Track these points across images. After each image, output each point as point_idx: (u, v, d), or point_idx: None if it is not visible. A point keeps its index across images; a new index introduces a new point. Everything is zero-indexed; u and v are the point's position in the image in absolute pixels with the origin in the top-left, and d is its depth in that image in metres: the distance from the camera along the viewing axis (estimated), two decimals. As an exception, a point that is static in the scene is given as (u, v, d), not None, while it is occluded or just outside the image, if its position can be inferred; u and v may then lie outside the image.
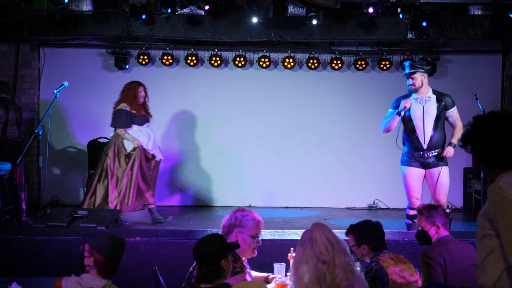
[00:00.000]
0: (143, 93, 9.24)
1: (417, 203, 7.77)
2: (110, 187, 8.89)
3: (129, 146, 9.02)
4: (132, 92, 9.15)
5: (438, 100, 7.85)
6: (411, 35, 10.37)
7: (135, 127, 9.09)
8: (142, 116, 9.15)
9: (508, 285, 3.20)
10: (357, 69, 11.13)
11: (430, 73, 10.95)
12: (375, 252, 4.92)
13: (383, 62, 11.08)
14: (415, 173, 7.87)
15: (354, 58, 11.16)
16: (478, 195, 9.74)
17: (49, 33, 10.37)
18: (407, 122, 7.92)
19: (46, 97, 10.74)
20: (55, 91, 8.73)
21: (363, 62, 11.07)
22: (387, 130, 8.05)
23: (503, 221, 3.22)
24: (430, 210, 5.25)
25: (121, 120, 9.04)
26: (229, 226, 4.77)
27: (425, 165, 7.83)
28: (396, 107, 7.97)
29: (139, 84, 9.25)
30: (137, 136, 9.05)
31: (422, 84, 7.86)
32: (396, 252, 5.01)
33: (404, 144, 8.01)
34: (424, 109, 7.85)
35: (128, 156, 9.02)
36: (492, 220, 3.28)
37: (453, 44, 11.14)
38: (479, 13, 10.33)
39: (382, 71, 11.19)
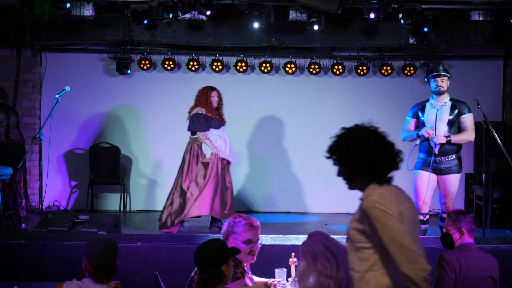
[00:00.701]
0: (216, 98, 9.19)
1: (424, 208, 7.77)
2: (187, 193, 8.95)
3: (208, 152, 9.02)
4: (204, 96, 9.14)
5: (453, 106, 7.80)
6: (412, 41, 10.38)
7: (212, 130, 9.10)
8: (217, 120, 9.11)
9: None
10: (359, 74, 11.14)
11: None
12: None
13: (385, 68, 11.09)
14: (425, 178, 7.78)
15: (356, 63, 11.17)
16: (479, 201, 9.73)
17: (51, 38, 10.40)
18: (421, 127, 7.92)
19: (48, 101, 10.74)
20: (57, 96, 8.72)
21: (364, 68, 11.08)
22: (404, 140, 8.14)
23: (385, 234, 3.34)
24: (458, 215, 5.22)
25: (200, 123, 9.04)
26: (226, 233, 4.80)
27: (437, 171, 7.76)
28: (413, 113, 8.08)
29: (212, 88, 9.23)
30: (215, 141, 9.05)
31: (447, 89, 7.89)
32: None
33: (419, 150, 7.96)
34: (437, 114, 7.83)
35: (205, 163, 9.01)
36: (368, 233, 3.40)
37: (455, 49, 11.15)
38: (481, 18, 10.31)
39: (384, 77, 11.20)
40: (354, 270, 3.45)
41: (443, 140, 7.62)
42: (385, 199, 3.40)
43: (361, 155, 3.53)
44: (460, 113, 7.78)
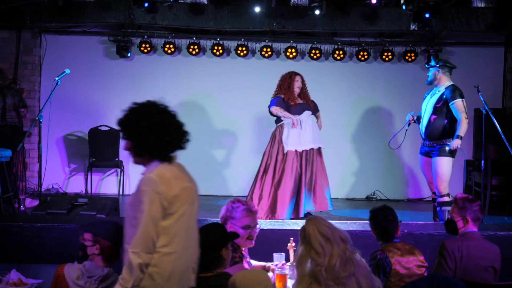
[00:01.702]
0: (299, 83, 9.00)
1: (431, 187, 8.25)
2: (264, 182, 8.84)
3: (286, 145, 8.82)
4: (287, 81, 8.98)
5: (442, 94, 8.04)
6: (413, 27, 10.35)
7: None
8: (297, 105, 8.90)
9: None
10: (359, 60, 11.12)
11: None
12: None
13: (385, 53, 11.07)
14: (422, 161, 8.32)
15: (357, 49, 11.14)
16: (478, 188, 9.74)
17: (51, 20, 10.36)
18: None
19: (47, 84, 10.72)
20: (57, 78, 8.72)
21: (365, 53, 11.06)
22: None
23: (143, 214, 3.45)
24: (465, 202, 5.21)
25: (276, 103, 8.92)
26: (224, 218, 4.80)
27: (428, 154, 8.15)
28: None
29: (296, 73, 9.05)
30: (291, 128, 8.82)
31: (435, 78, 8.17)
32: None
33: None
34: (428, 101, 8.19)
35: (284, 154, 8.84)
36: (136, 209, 3.49)
37: (456, 36, 11.12)
38: (482, 5, 10.30)
39: (384, 62, 11.17)
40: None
41: (459, 142, 7.86)
42: (163, 178, 3.52)
43: (147, 132, 3.59)
44: (448, 101, 7.93)
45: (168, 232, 3.52)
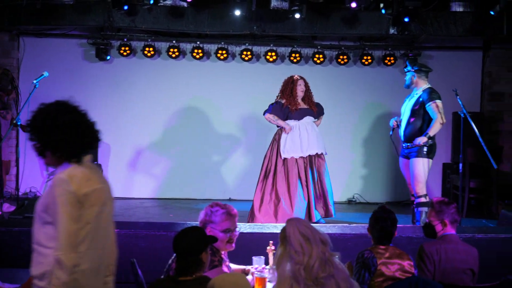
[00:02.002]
0: (302, 87, 8.87)
1: (410, 188, 8.37)
2: (265, 187, 8.77)
3: (283, 152, 8.76)
4: (289, 86, 8.86)
5: (419, 97, 8.20)
6: (393, 31, 10.41)
7: (291, 122, 8.83)
8: (298, 110, 8.79)
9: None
10: (339, 63, 11.15)
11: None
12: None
13: (365, 57, 11.11)
14: (402, 163, 8.45)
15: (336, 52, 11.17)
16: (456, 191, 9.79)
17: (29, 22, 10.29)
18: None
19: (26, 87, 10.63)
20: (35, 81, 8.66)
21: (345, 57, 11.09)
22: None
23: (60, 215, 3.41)
24: (441, 205, 5.23)
25: (273, 108, 8.85)
26: (203, 222, 4.77)
27: (407, 156, 8.28)
28: None
29: (298, 77, 8.93)
30: (289, 137, 8.74)
31: (412, 82, 8.35)
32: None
33: None
34: (407, 104, 8.35)
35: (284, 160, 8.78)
36: (51, 209, 3.45)
37: (435, 40, 11.18)
38: (461, 9, 10.37)
39: (364, 66, 11.22)
40: (42, 245, 3.50)
41: (425, 139, 7.97)
42: (73, 179, 3.46)
43: (54, 133, 3.53)
44: (424, 103, 8.11)
45: (79, 233, 3.48)
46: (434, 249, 5.02)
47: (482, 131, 9.60)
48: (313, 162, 8.79)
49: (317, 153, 8.83)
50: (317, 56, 11.05)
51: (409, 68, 8.35)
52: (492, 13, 9.77)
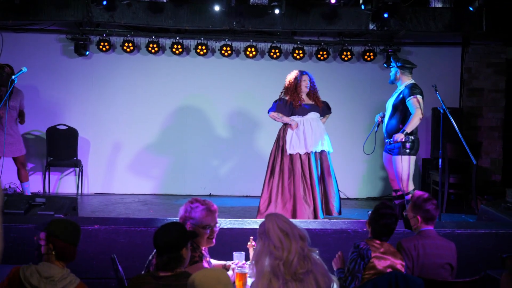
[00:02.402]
0: (307, 82, 8.73)
1: (393, 184, 8.48)
2: (273, 184, 8.67)
3: (289, 148, 8.68)
4: (294, 82, 8.75)
5: (401, 93, 8.21)
6: (372, 26, 10.43)
7: (295, 118, 8.72)
8: (302, 106, 8.69)
9: None
10: (319, 59, 11.17)
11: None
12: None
13: (345, 53, 11.14)
14: (385, 158, 8.47)
15: (316, 48, 11.20)
16: (436, 186, 9.85)
17: (7, 17, 10.19)
18: None
19: (4, 82, 10.57)
20: (13, 77, 8.60)
21: (324, 53, 11.11)
22: None
23: None
24: (418, 201, 5.24)
25: (277, 105, 8.77)
26: (183, 218, 4.74)
27: (389, 151, 8.30)
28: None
29: (302, 73, 8.81)
30: (293, 134, 8.67)
31: (396, 78, 8.33)
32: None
33: None
34: (390, 100, 8.38)
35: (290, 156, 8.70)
36: None
37: (414, 36, 11.24)
38: (440, 5, 10.42)
39: (344, 62, 11.24)
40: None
41: (402, 136, 8.00)
42: None
43: None
44: (405, 98, 8.12)
45: None
46: (412, 245, 5.04)
47: (462, 126, 9.68)
48: (317, 159, 8.72)
49: (322, 150, 8.75)
50: (296, 51, 11.07)
51: (393, 64, 8.35)
52: (471, 9, 9.84)
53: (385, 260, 4.74)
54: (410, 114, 8.04)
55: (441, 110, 8.16)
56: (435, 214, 5.22)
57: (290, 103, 8.70)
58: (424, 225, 5.19)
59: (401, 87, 8.25)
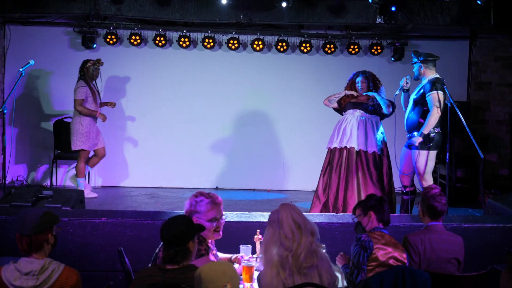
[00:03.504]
0: (362, 84, 8.65)
1: (402, 180, 8.39)
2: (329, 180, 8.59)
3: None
4: (349, 83, 8.84)
5: (422, 87, 8.12)
6: (380, 20, 10.40)
7: (344, 114, 8.72)
8: (348, 102, 8.68)
9: None
10: (326, 52, 11.15)
11: (398, 58, 11.02)
12: (379, 222, 5.00)
13: (352, 46, 11.11)
14: (403, 152, 8.34)
15: (323, 41, 11.17)
16: (443, 180, 9.83)
17: (15, 10, 10.21)
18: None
19: (12, 75, 10.60)
20: (21, 70, 8.61)
21: (332, 46, 11.09)
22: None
23: None
24: (426, 195, 5.20)
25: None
26: (188, 212, 4.74)
27: (409, 146, 8.20)
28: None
29: (357, 75, 8.79)
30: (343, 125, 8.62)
31: (420, 73, 8.20)
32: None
33: None
34: (412, 95, 8.27)
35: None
36: None
37: (422, 29, 11.20)
38: (448, -1, 10.40)
39: (351, 55, 11.21)
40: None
41: (420, 139, 7.95)
42: None
43: None
44: (425, 93, 7.99)
45: None
46: (418, 239, 5.03)
47: (469, 120, 9.65)
48: (365, 159, 8.53)
49: (361, 149, 8.54)
50: (304, 45, 11.05)
51: (414, 60, 8.23)
52: (479, 2, 9.79)
53: (386, 251, 4.75)
54: (428, 110, 7.97)
55: (449, 104, 8.13)
56: (441, 211, 5.20)
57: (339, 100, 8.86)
58: (429, 220, 5.18)
59: (424, 81, 8.14)
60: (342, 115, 8.79)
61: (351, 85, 8.79)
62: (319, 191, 8.62)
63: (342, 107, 8.78)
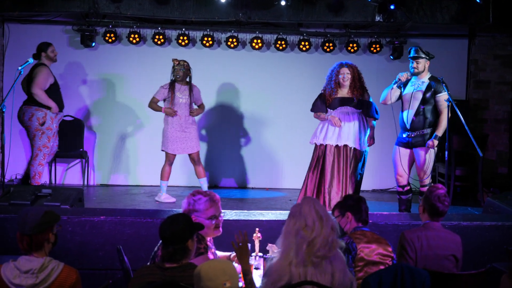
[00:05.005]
0: (346, 75, 8.51)
1: (400, 180, 8.31)
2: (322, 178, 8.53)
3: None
4: (331, 74, 8.67)
5: (429, 86, 8.15)
6: (379, 18, 10.41)
7: (330, 112, 8.64)
8: (336, 98, 8.55)
9: None
10: (325, 51, 11.14)
11: (397, 56, 11.02)
12: (357, 222, 5.01)
13: (351, 45, 11.11)
14: (400, 152, 8.28)
15: (322, 40, 11.17)
16: (442, 178, 9.84)
17: (13, 8, 10.22)
18: (402, 102, 8.35)
19: (10, 74, 10.59)
20: (20, 68, 8.60)
21: (331, 44, 11.08)
22: (384, 101, 8.41)
23: None
24: (431, 195, 5.19)
25: (314, 104, 8.80)
26: (187, 211, 4.74)
27: (410, 145, 8.18)
28: (399, 84, 8.30)
29: (341, 65, 8.62)
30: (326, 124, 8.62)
31: (424, 69, 8.21)
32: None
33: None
34: (413, 92, 8.20)
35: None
36: None
37: (421, 27, 11.20)
38: (447, -3, 10.41)
39: (350, 54, 11.21)
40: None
41: (436, 143, 8.05)
42: None
43: None
44: (436, 92, 8.10)
45: None
46: (415, 236, 5.04)
47: (468, 119, 9.65)
48: (348, 154, 8.53)
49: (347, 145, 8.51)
50: (302, 43, 11.04)
51: (423, 55, 8.21)
52: (478, 1, 9.81)
53: (371, 249, 4.79)
54: (441, 110, 8.04)
55: (448, 103, 8.14)
56: (442, 212, 5.19)
57: (324, 97, 8.76)
58: (428, 218, 5.18)
59: (424, 78, 8.19)
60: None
61: (336, 76, 8.58)
62: (308, 188, 8.58)
63: (328, 104, 8.67)
